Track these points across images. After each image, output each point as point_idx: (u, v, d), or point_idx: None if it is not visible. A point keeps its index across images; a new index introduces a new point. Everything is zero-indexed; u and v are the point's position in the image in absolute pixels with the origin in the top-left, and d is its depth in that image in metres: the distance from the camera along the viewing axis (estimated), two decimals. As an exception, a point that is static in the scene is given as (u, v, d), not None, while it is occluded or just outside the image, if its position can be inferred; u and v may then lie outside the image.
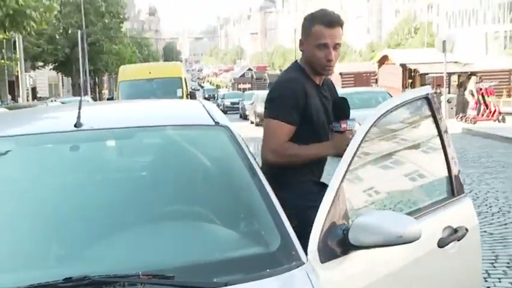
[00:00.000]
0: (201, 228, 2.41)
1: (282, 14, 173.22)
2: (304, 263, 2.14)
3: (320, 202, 2.29)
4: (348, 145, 2.46)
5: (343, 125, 3.06)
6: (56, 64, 48.39)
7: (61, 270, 2.07)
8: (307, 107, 3.05)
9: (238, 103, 42.95)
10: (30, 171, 2.76)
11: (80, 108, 2.75)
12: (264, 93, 28.49)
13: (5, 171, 2.73)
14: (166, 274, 2.00)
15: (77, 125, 2.67)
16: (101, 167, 2.86)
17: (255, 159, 2.65)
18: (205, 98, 61.07)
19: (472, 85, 21.60)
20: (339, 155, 2.55)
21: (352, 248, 2.23)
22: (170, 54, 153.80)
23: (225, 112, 44.60)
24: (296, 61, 3.27)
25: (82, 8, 44.68)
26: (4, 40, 24.05)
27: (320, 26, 3.05)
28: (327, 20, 3.07)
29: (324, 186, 2.63)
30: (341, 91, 14.12)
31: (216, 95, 61.65)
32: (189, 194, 2.63)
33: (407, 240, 2.20)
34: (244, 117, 35.77)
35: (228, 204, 2.58)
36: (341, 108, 3.15)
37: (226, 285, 1.98)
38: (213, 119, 2.88)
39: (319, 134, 3.11)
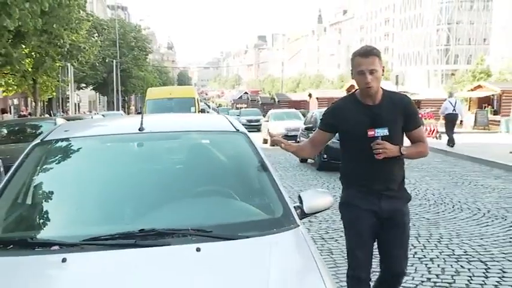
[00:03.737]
0: (228, 201, 2.72)
1: (271, 50, 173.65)
2: (299, 226, 2.45)
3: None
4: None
5: (370, 132, 3.01)
6: (95, 85, 48.47)
7: (137, 225, 2.35)
8: (342, 121, 3.12)
9: (257, 121, 32.50)
10: (110, 160, 3.07)
11: (142, 118, 3.09)
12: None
13: (94, 160, 3.05)
14: (206, 229, 2.30)
15: (141, 129, 2.98)
16: (158, 158, 3.15)
17: (265, 156, 2.97)
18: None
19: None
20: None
21: (307, 215, 2.72)
22: (183, 79, 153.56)
23: None
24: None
25: (117, 43, 45.18)
26: (60, 67, 24.61)
27: (358, 57, 3.02)
28: (362, 52, 3.02)
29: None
30: None
31: (227, 113, 45.28)
32: (219, 179, 2.93)
33: (332, 205, 2.80)
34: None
35: (246, 186, 2.89)
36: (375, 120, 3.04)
37: (247, 238, 2.27)
38: (234, 127, 3.21)
39: (354, 139, 3.10)
